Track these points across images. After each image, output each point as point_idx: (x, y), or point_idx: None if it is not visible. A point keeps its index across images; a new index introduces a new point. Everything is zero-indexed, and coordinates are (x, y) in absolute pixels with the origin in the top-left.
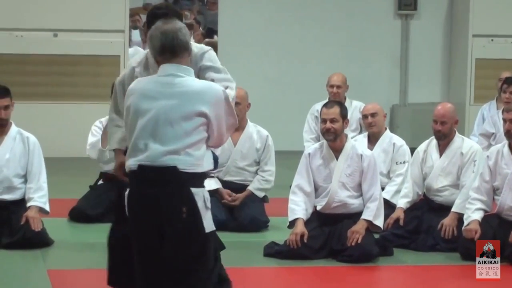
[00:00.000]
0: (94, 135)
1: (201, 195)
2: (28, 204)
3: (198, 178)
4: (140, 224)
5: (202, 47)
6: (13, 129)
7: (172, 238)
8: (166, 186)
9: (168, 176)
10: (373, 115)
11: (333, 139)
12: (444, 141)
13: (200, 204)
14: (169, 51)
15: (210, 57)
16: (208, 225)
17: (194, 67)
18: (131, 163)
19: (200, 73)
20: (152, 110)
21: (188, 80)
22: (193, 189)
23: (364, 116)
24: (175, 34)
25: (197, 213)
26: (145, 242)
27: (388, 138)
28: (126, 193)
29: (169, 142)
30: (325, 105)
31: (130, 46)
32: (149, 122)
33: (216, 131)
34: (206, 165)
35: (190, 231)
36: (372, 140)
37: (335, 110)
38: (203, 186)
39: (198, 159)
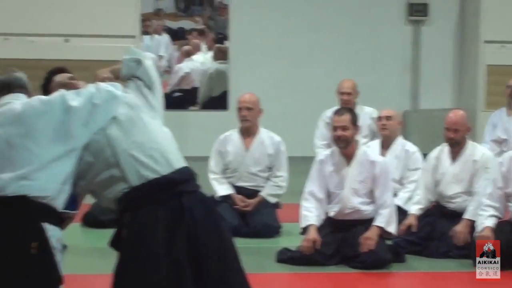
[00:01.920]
0: None
1: (55, 232)
2: None
3: (50, 211)
4: None
5: None
6: None
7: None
8: (12, 219)
9: (14, 207)
10: (387, 118)
11: (344, 146)
12: (456, 148)
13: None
14: (5, 87)
15: None
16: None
17: None
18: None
19: None
20: None
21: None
22: (45, 224)
23: (379, 119)
24: (11, 74)
25: (50, 251)
26: None
27: (401, 144)
28: None
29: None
30: (336, 113)
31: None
32: None
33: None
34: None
35: (41, 272)
36: (385, 146)
37: (345, 118)
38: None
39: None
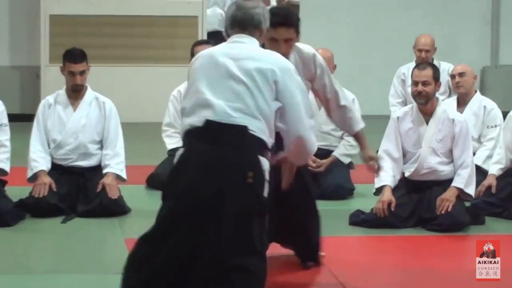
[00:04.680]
0: (170, 114)
1: (266, 166)
2: (105, 171)
3: (264, 147)
4: (195, 189)
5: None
6: (89, 94)
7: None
8: (234, 147)
9: (237, 136)
10: (460, 74)
11: (425, 102)
12: None
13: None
14: (238, 25)
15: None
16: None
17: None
18: (193, 120)
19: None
20: (217, 66)
21: (249, 45)
22: (260, 157)
23: (452, 76)
24: (248, 10)
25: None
26: (199, 209)
27: (478, 101)
28: (179, 152)
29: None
30: (417, 67)
31: (208, 6)
32: (214, 77)
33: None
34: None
35: (252, 199)
36: (461, 103)
37: (427, 73)
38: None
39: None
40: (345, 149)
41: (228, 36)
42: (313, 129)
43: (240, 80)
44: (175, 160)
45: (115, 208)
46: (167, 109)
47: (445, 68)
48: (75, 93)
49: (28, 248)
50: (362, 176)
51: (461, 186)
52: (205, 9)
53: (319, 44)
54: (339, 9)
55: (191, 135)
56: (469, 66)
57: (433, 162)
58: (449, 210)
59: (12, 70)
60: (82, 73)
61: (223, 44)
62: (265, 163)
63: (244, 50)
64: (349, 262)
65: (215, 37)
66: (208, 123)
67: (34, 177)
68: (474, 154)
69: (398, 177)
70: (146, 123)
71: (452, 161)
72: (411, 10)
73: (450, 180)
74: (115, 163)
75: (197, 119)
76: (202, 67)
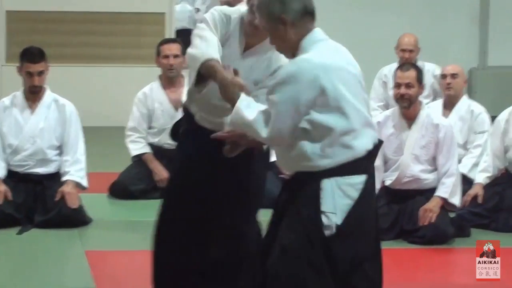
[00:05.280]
0: (135, 118)
1: None
2: (64, 179)
3: None
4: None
5: None
6: (48, 96)
7: None
8: None
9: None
10: (453, 75)
11: (407, 106)
12: None
13: None
14: (310, 15)
15: None
16: None
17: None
18: (366, 143)
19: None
20: (353, 77)
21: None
22: None
23: (443, 76)
24: None
25: None
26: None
27: (466, 105)
28: (364, 179)
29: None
30: (400, 68)
31: (177, 2)
32: (356, 90)
33: None
34: None
35: None
36: (448, 106)
37: (411, 74)
38: None
39: None
40: None
41: (296, 24)
42: None
43: (364, 89)
44: (363, 188)
45: (75, 218)
46: (131, 112)
47: (430, 69)
48: (33, 95)
49: None
50: None
51: (445, 195)
52: (173, 5)
53: None
54: (322, 8)
55: (370, 160)
56: (461, 69)
57: (415, 170)
58: (432, 221)
59: None
60: (41, 73)
61: (326, 48)
62: None
63: (342, 51)
64: None
65: (184, 35)
66: (378, 144)
67: None
68: (459, 162)
69: (378, 186)
70: (109, 127)
71: (436, 169)
72: (395, 7)
73: (433, 189)
74: (75, 170)
75: (367, 141)
76: (344, 81)
